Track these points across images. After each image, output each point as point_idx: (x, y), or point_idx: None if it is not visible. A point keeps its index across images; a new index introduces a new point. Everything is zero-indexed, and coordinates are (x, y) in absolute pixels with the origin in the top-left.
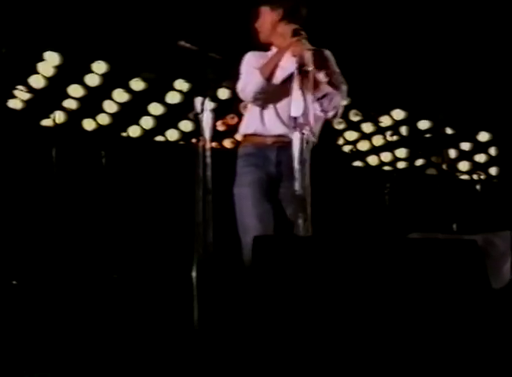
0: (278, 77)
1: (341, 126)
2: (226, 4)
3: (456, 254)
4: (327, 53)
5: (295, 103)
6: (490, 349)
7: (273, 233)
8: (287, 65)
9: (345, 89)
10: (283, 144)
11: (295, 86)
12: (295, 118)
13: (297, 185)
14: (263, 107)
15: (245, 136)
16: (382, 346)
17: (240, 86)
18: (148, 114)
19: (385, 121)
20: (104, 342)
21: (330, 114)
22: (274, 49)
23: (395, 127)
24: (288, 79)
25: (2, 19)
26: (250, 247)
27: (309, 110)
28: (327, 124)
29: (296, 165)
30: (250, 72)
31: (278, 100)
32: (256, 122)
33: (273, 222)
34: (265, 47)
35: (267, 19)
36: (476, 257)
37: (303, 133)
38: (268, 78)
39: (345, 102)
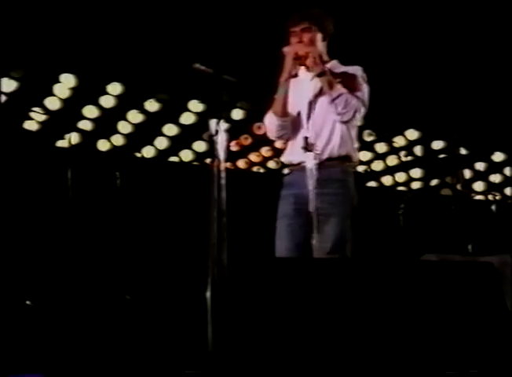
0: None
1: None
2: (241, 27)
3: (473, 276)
4: (355, 69)
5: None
6: (507, 369)
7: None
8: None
9: (362, 96)
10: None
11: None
12: (306, 139)
13: (311, 206)
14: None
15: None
16: (398, 368)
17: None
18: (163, 135)
19: (399, 141)
20: (118, 363)
21: (346, 117)
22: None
23: (409, 147)
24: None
25: (19, 42)
26: None
27: (322, 128)
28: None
29: (310, 186)
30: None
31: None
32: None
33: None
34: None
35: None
36: (492, 279)
37: (314, 153)
38: (282, 114)
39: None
